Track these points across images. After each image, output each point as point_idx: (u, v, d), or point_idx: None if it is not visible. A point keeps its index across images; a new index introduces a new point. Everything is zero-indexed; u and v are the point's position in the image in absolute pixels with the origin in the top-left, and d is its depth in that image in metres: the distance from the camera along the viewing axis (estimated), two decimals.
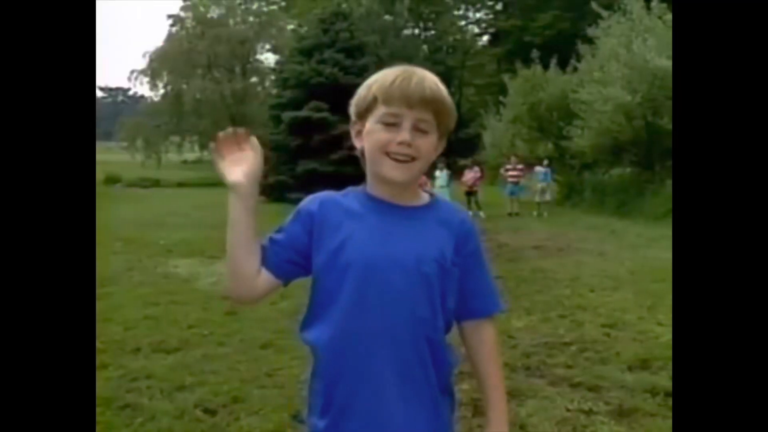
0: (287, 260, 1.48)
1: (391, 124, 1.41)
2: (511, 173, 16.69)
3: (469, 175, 16.51)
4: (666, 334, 5.06)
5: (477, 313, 1.60)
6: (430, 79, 1.44)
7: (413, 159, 1.42)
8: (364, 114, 1.46)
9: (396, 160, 1.41)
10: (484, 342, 1.63)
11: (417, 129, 1.41)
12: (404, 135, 1.40)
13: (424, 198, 1.54)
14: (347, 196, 1.52)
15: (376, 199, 1.49)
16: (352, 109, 1.50)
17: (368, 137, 1.45)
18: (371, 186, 1.50)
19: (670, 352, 4.57)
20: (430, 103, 1.41)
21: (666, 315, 5.68)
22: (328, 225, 1.46)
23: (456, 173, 17.27)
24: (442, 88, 1.46)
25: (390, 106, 1.41)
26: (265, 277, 1.48)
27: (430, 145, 1.45)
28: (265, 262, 1.47)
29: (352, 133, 1.52)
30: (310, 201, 1.51)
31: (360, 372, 1.43)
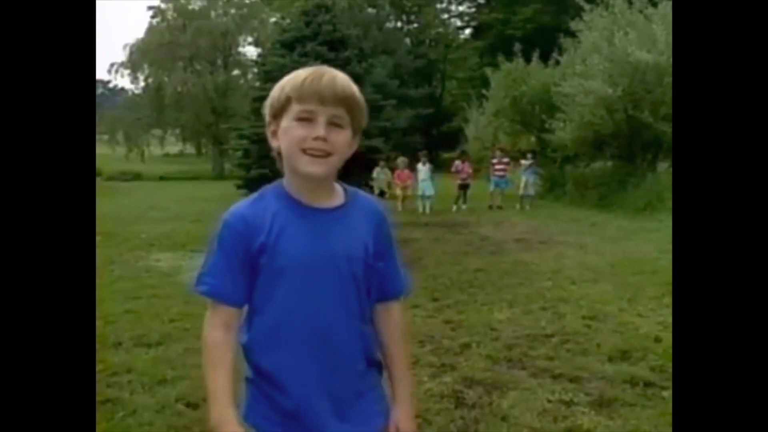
0: (247, 288, 1.53)
1: (305, 120, 1.47)
2: (497, 167, 16.72)
3: (463, 168, 16.53)
4: (645, 326, 5.12)
5: (386, 295, 1.66)
6: (341, 78, 1.51)
7: (329, 154, 1.48)
8: (279, 113, 1.52)
9: (312, 155, 1.47)
10: (392, 323, 1.68)
11: (332, 124, 1.48)
12: (319, 130, 1.46)
13: (340, 193, 1.60)
14: (265, 199, 1.55)
15: (299, 202, 1.54)
16: (267, 111, 1.56)
17: (284, 135, 1.50)
18: (289, 184, 1.55)
19: (649, 343, 4.63)
20: (342, 99, 1.49)
21: (645, 307, 5.75)
22: (257, 234, 1.50)
23: (439, 167, 17.29)
24: (354, 86, 1.54)
25: (303, 103, 1.47)
26: (240, 313, 1.56)
27: (344, 140, 1.51)
28: (231, 300, 1.53)
29: (268, 133, 1.56)
30: (231, 220, 1.53)
31: (306, 367, 1.51)
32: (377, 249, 1.59)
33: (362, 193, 1.69)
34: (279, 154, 1.54)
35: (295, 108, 1.48)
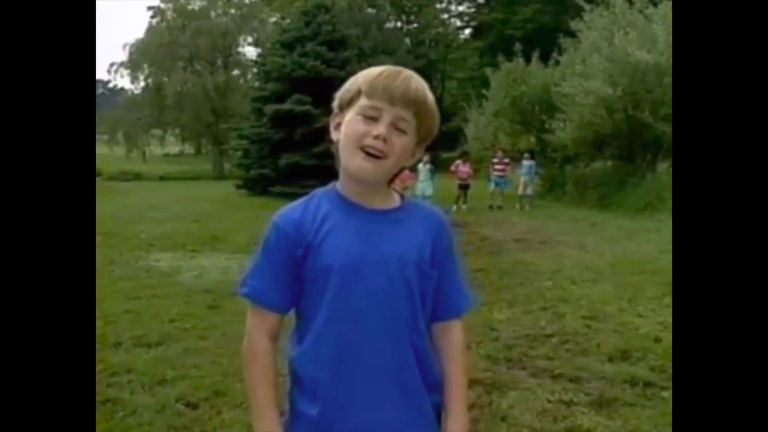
0: (290, 294, 1.45)
1: (370, 118, 1.38)
2: (497, 167, 16.75)
3: (464, 169, 16.53)
4: (645, 326, 5.12)
5: (445, 313, 1.53)
6: (416, 80, 1.43)
7: (385, 156, 1.38)
8: (346, 105, 1.43)
9: (368, 153, 1.37)
10: (451, 344, 1.54)
11: (395, 127, 1.39)
12: (381, 129, 1.36)
13: (396, 198, 1.51)
14: (315, 200, 1.47)
15: (351, 203, 1.44)
16: (336, 101, 1.47)
17: (345, 127, 1.41)
18: (343, 185, 1.47)
19: (649, 343, 4.63)
20: (412, 102, 1.39)
21: (645, 307, 5.75)
22: (305, 235, 1.42)
23: (439, 167, 17.27)
24: (428, 92, 1.45)
25: (372, 98, 1.38)
26: (280, 320, 1.48)
27: (405, 145, 1.41)
28: (274, 305, 1.45)
29: (332, 125, 1.47)
30: (279, 222, 1.45)
31: (347, 377, 1.40)
32: (434, 257, 1.46)
33: (422, 202, 1.60)
34: (337, 149, 1.44)
35: (362, 102, 1.39)
